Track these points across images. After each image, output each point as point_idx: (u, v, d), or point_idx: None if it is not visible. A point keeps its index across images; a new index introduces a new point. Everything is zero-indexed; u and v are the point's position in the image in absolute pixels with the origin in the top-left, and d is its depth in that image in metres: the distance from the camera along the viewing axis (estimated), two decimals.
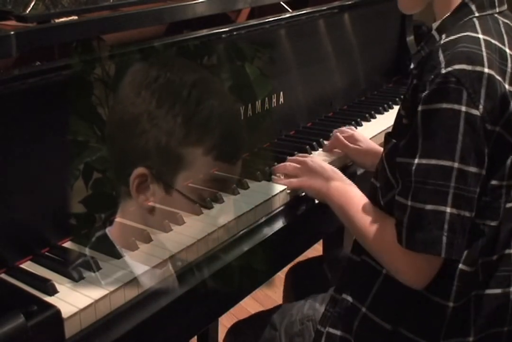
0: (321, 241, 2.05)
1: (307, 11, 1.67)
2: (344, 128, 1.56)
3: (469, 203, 1.00)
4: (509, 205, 1.08)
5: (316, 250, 2.21)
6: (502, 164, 1.04)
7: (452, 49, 1.01)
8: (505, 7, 1.12)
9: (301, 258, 1.53)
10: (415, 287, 1.06)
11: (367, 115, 1.77)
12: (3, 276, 1.01)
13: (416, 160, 1.01)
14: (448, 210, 0.99)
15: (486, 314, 1.09)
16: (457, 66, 0.99)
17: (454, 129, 0.98)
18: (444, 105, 0.98)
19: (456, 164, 0.98)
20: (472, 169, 0.99)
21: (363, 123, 1.74)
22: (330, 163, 1.42)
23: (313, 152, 1.51)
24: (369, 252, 1.13)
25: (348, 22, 1.86)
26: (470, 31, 1.04)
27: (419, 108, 1.01)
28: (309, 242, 1.48)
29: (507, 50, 1.05)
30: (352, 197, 1.19)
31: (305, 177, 1.30)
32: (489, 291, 1.09)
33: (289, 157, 1.41)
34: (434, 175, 0.99)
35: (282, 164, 1.37)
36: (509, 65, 1.04)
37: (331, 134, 1.55)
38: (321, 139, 1.55)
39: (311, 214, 1.34)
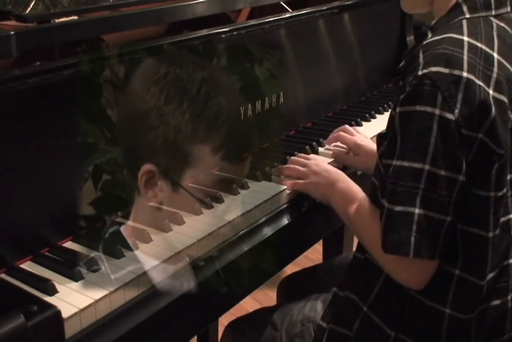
0: (321, 241, 2.05)
1: (307, 11, 1.67)
2: (347, 127, 1.54)
3: (440, 206, 0.99)
4: (505, 218, 1.07)
5: (316, 250, 2.21)
6: (487, 173, 1.02)
7: (432, 50, 0.99)
8: (505, 9, 1.08)
9: (299, 259, 1.53)
10: (414, 288, 1.06)
11: (367, 115, 1.77)
12: (3, 276, 1.01)
13: (393, 162, 1.01)
14: (417, 211, 0.98)
15: (487, 325, 1.09)
16: (433, 69, 0.97)
17: (427, 132, 0.97)
18: (418, 108, 0.97)
19: (426, 167, 0.97)
20: (444, 173, 0.97)
21: (363, 123, 1.74)
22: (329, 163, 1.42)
23: (312, 152, 1.51)
24: (370, 252, 1.13)
25: (348, 22, 1.86)
26: (455, 32, 1.02)
27: (397, 109, 1.01)
28: (310, 242, 1.48)
29: (495, 55, 1.02)
30: (354, 200, 1.19)
31: (310, 180, 1.30)
32: (490, 303, 1.09)
33: (292, 158, 1.41)
34: (405, 176, 0.99)
35: (286, 166, 1.37)
36: (494, 70, 1.01)
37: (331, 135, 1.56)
38: (321, 139, 1.55)
39: (311, 214, 1.34)
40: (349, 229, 1.25)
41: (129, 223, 1.17)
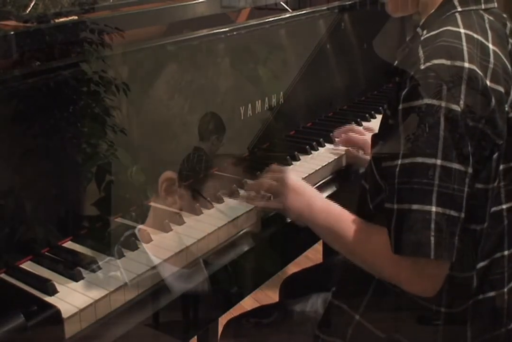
0: (321, 241, 2.05)
1: (307, 11, 1.68)
2: (356, 127, 1.54)
3: (455, 202, 0.96)
4: (496, 208, 1.06)
5: (316, 250, 2.21)
6: (487, 165, 1.01)
7: (431, 44, 0.99)
8: (493, 4, 1.09)
9: (299, 259, 1.52)
10: (427, 294, 1.01)
11: (367, 115, 1.78)
12: (3, 276, 1.01)
13: (399, 161, 0.98)
14: (434, 209, 0.95)
15: (483, 318, 1.08)
16: (436, 61, 0.97)
17: (435, 125, 0.95)
18: (425, 101, 0.96)
19: (439, 162, 0.95)
20: (456, 166, 0.96)
21: (363, 123, 1.74)
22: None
23: (312, 152, 1.51)
24: (369, 270, 1.08)
25: (348, 22, 1.86)
26: (451, 25, 1.02)
27: (400, 106, 0.99)
28: (309, 242, 1.48)
29: (490, 46, 1.03)
30: (339, 216, 1.12)
31: (284, 196, 1.18)
32: (485, 296, 1.08)
33: (264, 175, 1.26)
34: (417, 173, 0.96)
35: (257, 181, 1.26)
36: (491, 60, 1.01)
37: (331, 134, 1.56)
38: (321, 139, 1.55)
39: None
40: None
41: (129, 223, 1.17)
